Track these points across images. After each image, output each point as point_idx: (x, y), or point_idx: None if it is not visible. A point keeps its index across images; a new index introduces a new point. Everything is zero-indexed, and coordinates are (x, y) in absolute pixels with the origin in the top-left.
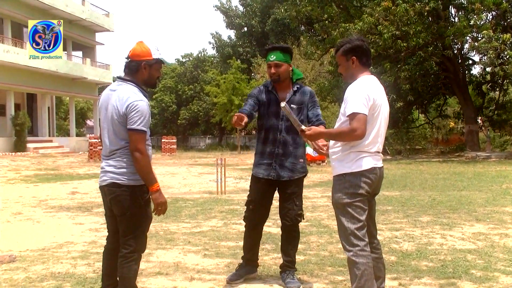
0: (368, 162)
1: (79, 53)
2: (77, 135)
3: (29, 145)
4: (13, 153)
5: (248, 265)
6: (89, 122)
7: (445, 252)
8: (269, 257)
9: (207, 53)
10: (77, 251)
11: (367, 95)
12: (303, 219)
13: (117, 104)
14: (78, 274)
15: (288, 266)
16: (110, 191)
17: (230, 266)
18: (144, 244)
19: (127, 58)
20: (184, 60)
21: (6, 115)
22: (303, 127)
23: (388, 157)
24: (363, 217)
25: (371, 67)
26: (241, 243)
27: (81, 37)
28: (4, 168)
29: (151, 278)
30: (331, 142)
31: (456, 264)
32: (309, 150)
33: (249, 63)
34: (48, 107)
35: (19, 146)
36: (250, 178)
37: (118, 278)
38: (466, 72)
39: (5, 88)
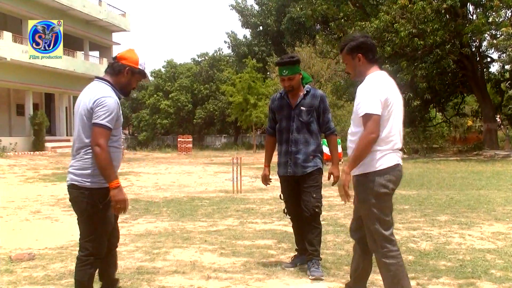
0: (392, 159)
1: (96, 53)
2: None
3: (47, 144)
4: (32, 152)
5: (302, 254)
6: None
7: (463, 252)
8: (286, 256)
9: (222, 52)
10: None
11: (379, 94)
12: (321, 211)
13: (86, 100)
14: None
15: (314, 255)
16: (70, 192)
17: (246, 265)
18: (101, 249)
19: (114, 58)
20: (199, 59)
21: (25, 115)
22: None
23: (405, 156)
24: (389, 217)
25: (388, 66)
26: (257, 242)
27: (98, 37)
28: (23, 167)
29: (168, 276)
30: (348, 142)
31: (475, 264)
32: (325, 150)
33: (265, 62)
34: (66, 107)
35: (37, 145)
36: None
37: (75, 282)
38: (485, 70)
39: (23, 88)
